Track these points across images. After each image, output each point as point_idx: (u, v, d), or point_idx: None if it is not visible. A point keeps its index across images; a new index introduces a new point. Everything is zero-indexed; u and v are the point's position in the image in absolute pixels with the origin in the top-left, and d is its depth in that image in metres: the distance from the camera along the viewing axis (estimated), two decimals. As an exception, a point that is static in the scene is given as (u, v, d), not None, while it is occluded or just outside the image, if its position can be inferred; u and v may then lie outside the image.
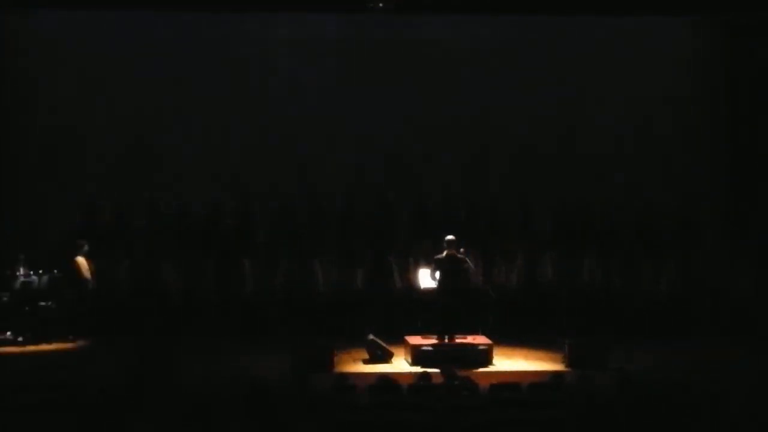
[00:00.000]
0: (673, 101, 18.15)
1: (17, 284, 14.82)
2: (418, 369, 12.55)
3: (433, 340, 13.47)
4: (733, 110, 18.26)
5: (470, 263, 14.79)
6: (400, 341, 13.86)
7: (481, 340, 13.65)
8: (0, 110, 17.81)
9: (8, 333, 15.09)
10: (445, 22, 17.88)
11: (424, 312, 14.04)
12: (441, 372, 10.61)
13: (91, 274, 15.61)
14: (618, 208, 17.46)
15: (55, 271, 15.35)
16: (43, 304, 14.96)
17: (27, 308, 14.67)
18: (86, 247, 15.63)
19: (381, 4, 15.94)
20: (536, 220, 17.19)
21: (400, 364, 13.44)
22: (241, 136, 17.90)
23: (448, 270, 13.53)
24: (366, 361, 13.55)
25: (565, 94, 18.04)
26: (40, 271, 15.31)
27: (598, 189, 17.73)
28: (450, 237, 13.69)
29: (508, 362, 13.54)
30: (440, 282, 13.58)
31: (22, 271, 15.05)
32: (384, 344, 13.63)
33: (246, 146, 17.89)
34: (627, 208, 17.51)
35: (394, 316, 15.73)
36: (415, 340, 13.61)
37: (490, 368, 13.09)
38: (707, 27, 18.16)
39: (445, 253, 13.63)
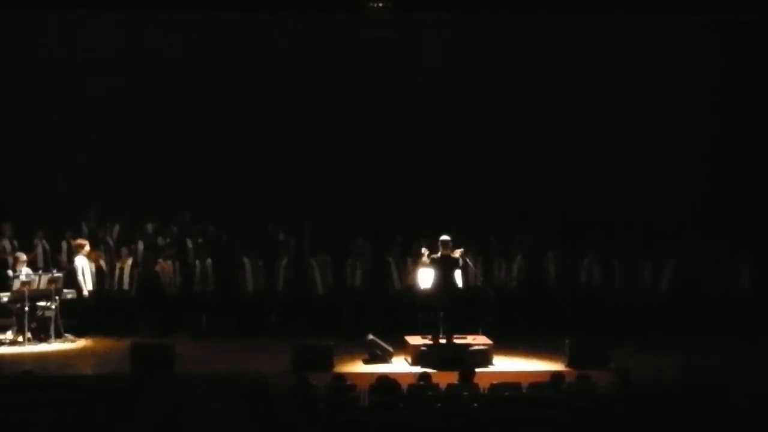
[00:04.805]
0: (674, 101, 18.17)
1: (17, 284, 14.80)
2: (418, 369, 12.53)
3: (429, 341, 13.44)
4: (734, 110, 18.27)
5: (470, 263, 14.81)
6: (400, 341, 13.85)
7: (481, 340, 13.64)
8: (3, 108, 17.89)
9: (8, 333, 15.09)
10: (444, 22, 17.89)
11: (423, 312, 14.03)
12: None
13: (92, 273, 15.63)
14: (618, 208, 17.47)
15: (55, 271, 15.34)
16: (43, 304, 14.95)
17: (27, 308, 14.65)
18: (87, 248, 15.64)
19: (381, 4, 15.94)
20: (537, 220, 17.20)
21: (400, 364, 13.43)
22: (239, 136, 17.94)
23: (443, 271, 13.52)
24: (366, 361, 13.54)
25: (565, 93, 18.06)
26: (40, 271, 15.31)
27: (599, 189, 17.76)
28: (444, 237, 13.68)
29: (508, 362, 13.53)
30: (434, 283, 13.57)
31: (22, 271, 15.03)
32: (384, 344, 13.62)
33: (243, 146, 17.94)
34: (627, 208, 17.51)
35: (394, 316, 15.74)
36: (415, 340, 13.60)
37: (490, 368, 13.08)
38: (708, 27, 18.17)
39: (440, 253, 13.62)
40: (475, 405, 9.47)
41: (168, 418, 9.46)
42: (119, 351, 14.09)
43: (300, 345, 13.21)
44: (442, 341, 13.40)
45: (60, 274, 15.18)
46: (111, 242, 16.54)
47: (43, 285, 14.89)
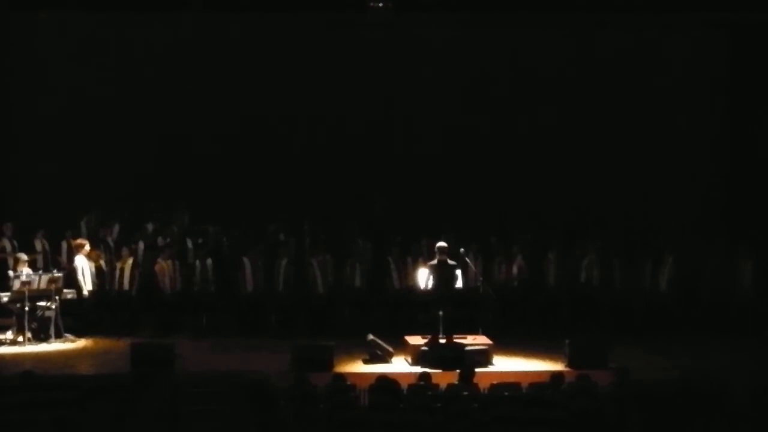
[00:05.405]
0: (674, 101, 18.17)
1: (17, 284, 14.80)
2: (418, 369, 12.53)
3: (429, 341, 13.42)
4: (734, 110, 18.27)
5: (470, 263, 14.80)
6: (400, 341, 13.85)
7: (481, 340, 13.64)
8: (3, 108, 17.90)
9: (8, 333, 15.08)
10: (444, 21, 17.89)
11: (423, 312, 14.04)
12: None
13: (92, 273, 15.63)
14: (618, 208, 17.46)
15: (55, 271, 15.34)
16: (43, 304, 14.94)
17: (27, 308, 14.65)
18: (87, 248, 15.64)
19: (381, 4, 15.94)
20: (537, 220, 17.20)
21: (400, 364, 13.43)
22: (239, 136, 17.96)
23: (441, 277, 13.51)
24: (366, 361, 13.54)
25: (565, 94, 18.06)
26: (40, 271, 15.30)
27: (599, 189, 17.76)
28: (441, 244, 13.67)
29: (508, 362, 13.53)
30: (434, 288, 13.56)
31: (22, 271, 15.03)
32: (384, 344, 13.61)
33: (242, 146, 17.95)
34: (627, 208, 17.52)
35: (394, 316, 15.75)
36: (415, 340, 13.60)
37: (490, 368, 13.07)
38: (707, 27, 18.17)
39: (437, 260, 13.61)
40: (475, 405, 9.47)
41: (168, 418, 9.46)
42: (119, 351, 14.09)
43: (300, 345, 13.21)
44: (442, 341, 13.39)
45: (60, 274, 15.18)
46: (111, 242, 16.54)
47: (43, 285, 14.88)
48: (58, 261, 16.26)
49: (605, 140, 18.04)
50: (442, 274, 13.48)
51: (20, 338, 14.76)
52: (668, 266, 16.09)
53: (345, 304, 16.17)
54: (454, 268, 13.61)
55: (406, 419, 8.93)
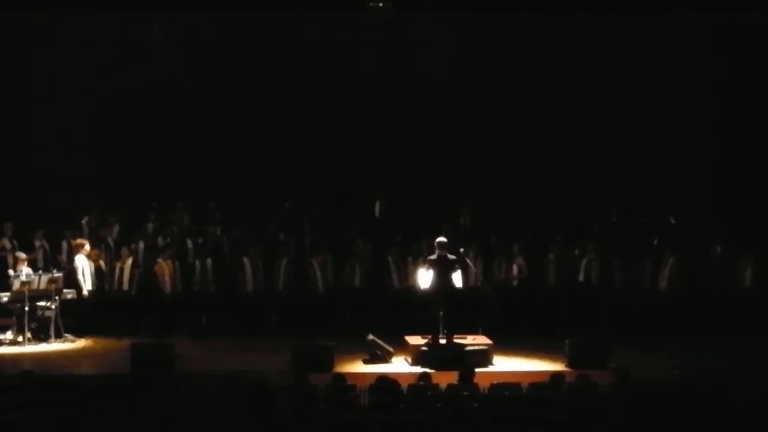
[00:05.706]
0: (674, 101, 18.19)
1: (17, 284, 14.80)
2: (418, 369, 12.53)
3: (429, 341, 13.41)
4: (733, 110, 18.27)
5: (470, 263, 14.80)
6: (400, 341, 13.84)
7: (481, 340, 13.64)
8: (3, 108, 17.91)
9: (8, 333, 15.08)
10: (444, 21, 17.89)
11: (423, 312, 14.04)
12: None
13: (92, 273, 15.62)
14: (618, 207, 17.46)
15: (55, 270, 15.35)
16: (42, 304, 14.94)
17: (27, 308, 14.65)
18: (87, 247, 15.64)
19: (381, 4, 15.94)
20: (537, 220, 17.20)
21: (400, 364, 13.43)
22: (239, 136, 17.96)
23: (440, 272, 13.51)
24: (366, 361, 13.54)
25: (565, 93, 18.07)
26: (40, 271, 15.30)
27: (599, 189, 17.76)
28: (441, 239, 13.68)
29: (508, 362, 13.53)
30: (432, 284, 13.56)
31: (22, 270, 15.04)
32: (384, 344, 13.61)
33: (242, 145, 17.95)
34: (628, 208, 17.52)
35: (394, 316, 15.75)
36: (415, 340, 13.60)
37: (490, 368, 13.08)
38: (707, 27, 18.18)
39: (436, 254, 13.61)
40: (475, 405, 9.47)
41: (168, 418, 9.47)
42: (119, 351, 14.09)
43: (300, 345, 13.21)
44: (442, 341, 13.39)
45: (60, 274, 15.18)
46: (111, 242, 16.54)
47: (43, 285, 14.89)
48: (58, 261, 16.26)
49: (605, 140, 18.05)
50: (442, 269, 13.49)
51: (20, 338, 14.76)
52: (668, 266, 16.09)
53: (345, 304, 16.17)
54: (454, 262, 13.62)
55: (406, 419, 8.93)
